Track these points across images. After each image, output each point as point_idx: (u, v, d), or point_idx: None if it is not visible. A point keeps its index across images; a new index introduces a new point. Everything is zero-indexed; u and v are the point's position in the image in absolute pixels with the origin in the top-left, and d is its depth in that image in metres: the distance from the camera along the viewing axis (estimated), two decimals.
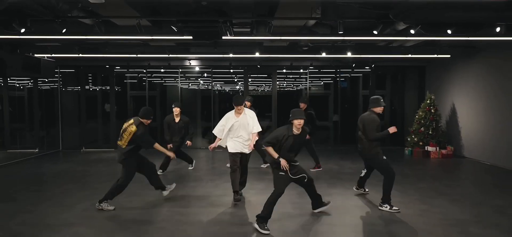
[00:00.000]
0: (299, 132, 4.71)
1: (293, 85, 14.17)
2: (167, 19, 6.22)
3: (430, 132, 10.35)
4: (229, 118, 5.92)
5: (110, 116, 12.14)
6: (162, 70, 12.35)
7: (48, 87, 12.43)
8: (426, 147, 10.37)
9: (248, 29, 7.06)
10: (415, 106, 12.01)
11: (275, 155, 4.68)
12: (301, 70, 12.74)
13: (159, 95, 12.51)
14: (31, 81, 11.99)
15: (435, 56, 10.03)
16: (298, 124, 4.63)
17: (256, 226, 4.63)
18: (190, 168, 8.45)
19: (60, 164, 9.38)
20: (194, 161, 8.54)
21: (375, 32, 6.03)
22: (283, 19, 6.20)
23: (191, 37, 6.78)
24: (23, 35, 6.81)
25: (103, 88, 12.51)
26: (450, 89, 10.96)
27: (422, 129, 10.41)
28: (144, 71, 12.19)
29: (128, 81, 12.57)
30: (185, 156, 8.25)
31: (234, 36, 6.96)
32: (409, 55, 9.63)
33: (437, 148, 10.27)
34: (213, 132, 6.12)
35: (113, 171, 8.36)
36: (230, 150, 5.91)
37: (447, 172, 8.49)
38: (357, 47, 9.16)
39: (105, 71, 12.17)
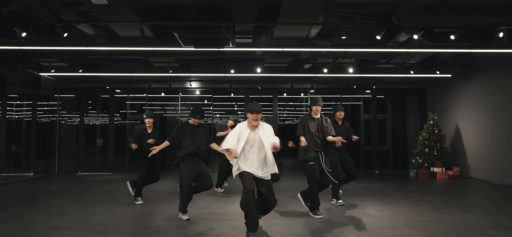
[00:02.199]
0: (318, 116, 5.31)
1: (294, 116, 14.06)
2: (169, 24, 6.21)
3: (435, 153, 10.14)
4: (243, 131, 4.22)
5: (108, 144, 11.90)
6: (162, 94, 12.28)
7: (47, 120, 12.23)
8: (431, 168, 10.12)
9: (250, 40, 7.06)
10: (417, 129, 11.87)
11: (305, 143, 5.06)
12: (302, 94, 12.71)
13: (158, 124, 12.31)
14: (30, 112, 11.84)
15: (436, 75, 10.02)
16: (316, 109, 5.30)
17: (311, 214, 5.25)
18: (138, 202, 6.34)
19: (55, 184, 9.06)
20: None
21: (378, 37, 6.00)
22: (286, 24, 6.19)
23: (192, 47, 6.78)
24: (24, 45, 6.79)
25: (103, 119, 12.31)
26: (453, 110, 10.88)
27: (427, 150, 10.21)
28: (145, 95, 12.12)
29: (128, 110, 12.47)
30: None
31: (236, 46, 6.95)
32: (411, 72, 9.61)
33: (443, 169, 10.02)
34: (222, 146, 4.29)
35: (110, 189, 8.06)
36: (240, 171, 4.17)
37: (456, 188, 8.22)
38: (358, 63, 9.16)
39: (106, 93, 12.08)
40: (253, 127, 4.20)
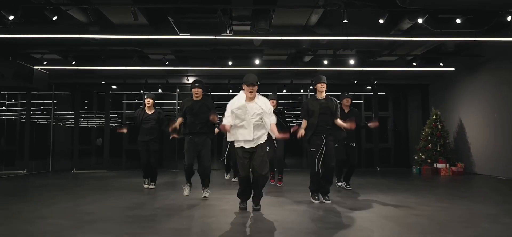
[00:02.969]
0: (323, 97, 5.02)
1: (293, 117, 13.73)
2: (162, 7, 5.97)
3: (438, 149, 9.89)
4: (238, 100, 4.32)
5: (104, 143, 11.62)
6: (159, 91, 12.01)
7: (45, 121, 11.93)
8: (435, 164, 9.86)
9: (248, 27, 6.84)
10: (419, 127, 11.61)
11: (305, 124, 5.03)
12: (302, 91, 12.46)
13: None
14: (24, 113, 11.54)
15: (439, 68, 9.79)
16: (321, 87, 4.98)
17: (310, 198, 5.21)
18: (151, 186, 6.73)
19: (48, 180, 8.78)
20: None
21: (381, 21, 5.77)
22: (285, 8, 5.96)
23: (188, 35, 6.55)
24: (13, 33, 6.55)
25: (100, 120, 12.00)
26: (456, 105, 10.64)
27: (430, 145, 9.96)
28: (141, 91, 11.86)
29: (124, 110, 12.18)
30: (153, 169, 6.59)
31: (233, 34, 6.72)
32: (414, 65, 9.37)
33: (447, 164, 9.76)
34: (223, 123, 4.41)
35: (104, 184, 7.77)
36: (236, 144, 4.39)
37: (461, 183, 7.96)
38: (360, 55, 8.93)
39: (101, 90, 11.80)
40: (250, 100, 4.28)
